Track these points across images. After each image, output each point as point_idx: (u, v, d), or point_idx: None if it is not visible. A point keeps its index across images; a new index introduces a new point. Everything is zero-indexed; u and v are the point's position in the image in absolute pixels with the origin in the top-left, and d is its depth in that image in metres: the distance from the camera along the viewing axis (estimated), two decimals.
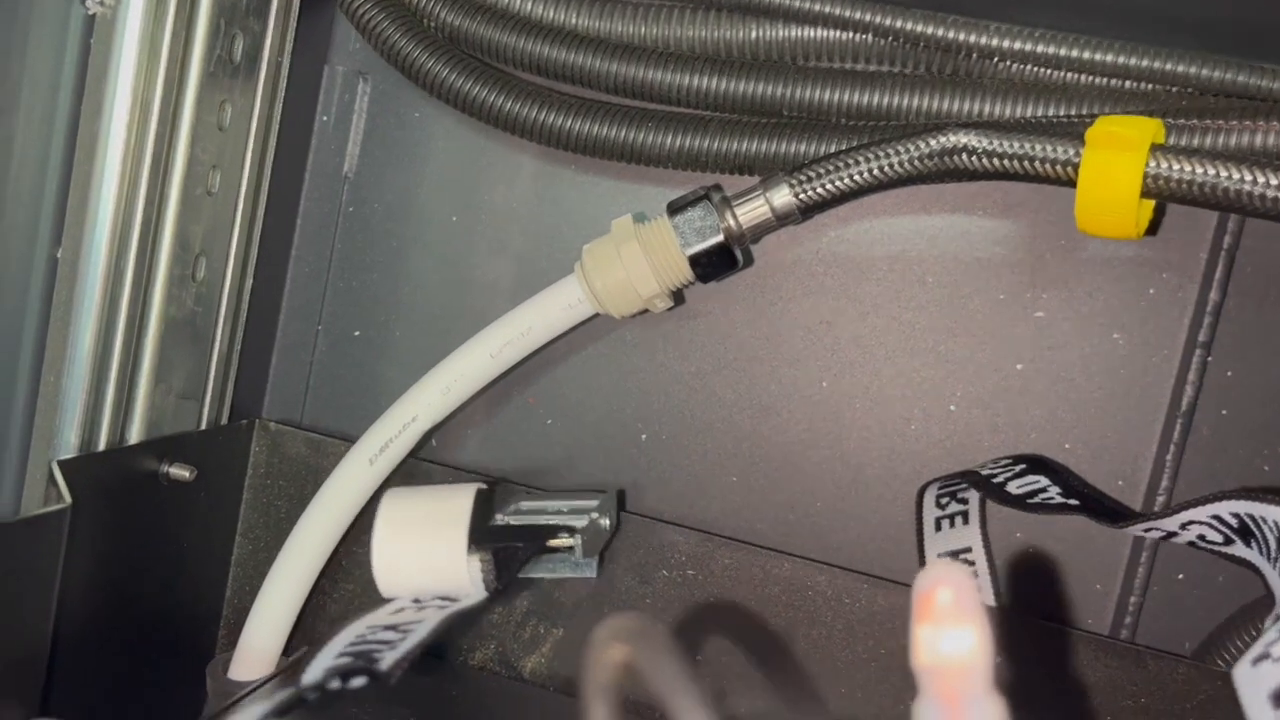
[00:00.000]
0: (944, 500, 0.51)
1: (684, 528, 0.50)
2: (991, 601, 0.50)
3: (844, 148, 0.41)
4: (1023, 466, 0.45)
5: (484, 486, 0.39)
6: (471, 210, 0.54)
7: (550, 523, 0.43)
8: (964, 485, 0.50)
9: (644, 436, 0.53)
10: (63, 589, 0.39)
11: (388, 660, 0.31)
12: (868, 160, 0.40)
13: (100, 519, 0.42)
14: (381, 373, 0.55)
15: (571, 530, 0.42)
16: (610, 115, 0.47)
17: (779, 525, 0.52)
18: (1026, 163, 0.38)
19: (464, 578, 0.37)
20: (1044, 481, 0.44)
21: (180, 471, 0.46)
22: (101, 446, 0.44)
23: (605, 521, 0.45)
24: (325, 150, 0.55)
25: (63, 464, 0.40)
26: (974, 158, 0.39)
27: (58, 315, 0.42)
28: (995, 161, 0.38)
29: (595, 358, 0.53)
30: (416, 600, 0.37)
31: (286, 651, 0.48)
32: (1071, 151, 0.37)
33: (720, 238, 0.42)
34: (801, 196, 0.41)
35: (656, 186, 0.51)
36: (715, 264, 0.43)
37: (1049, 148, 0.37)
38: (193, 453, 0.47)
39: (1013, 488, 0.44)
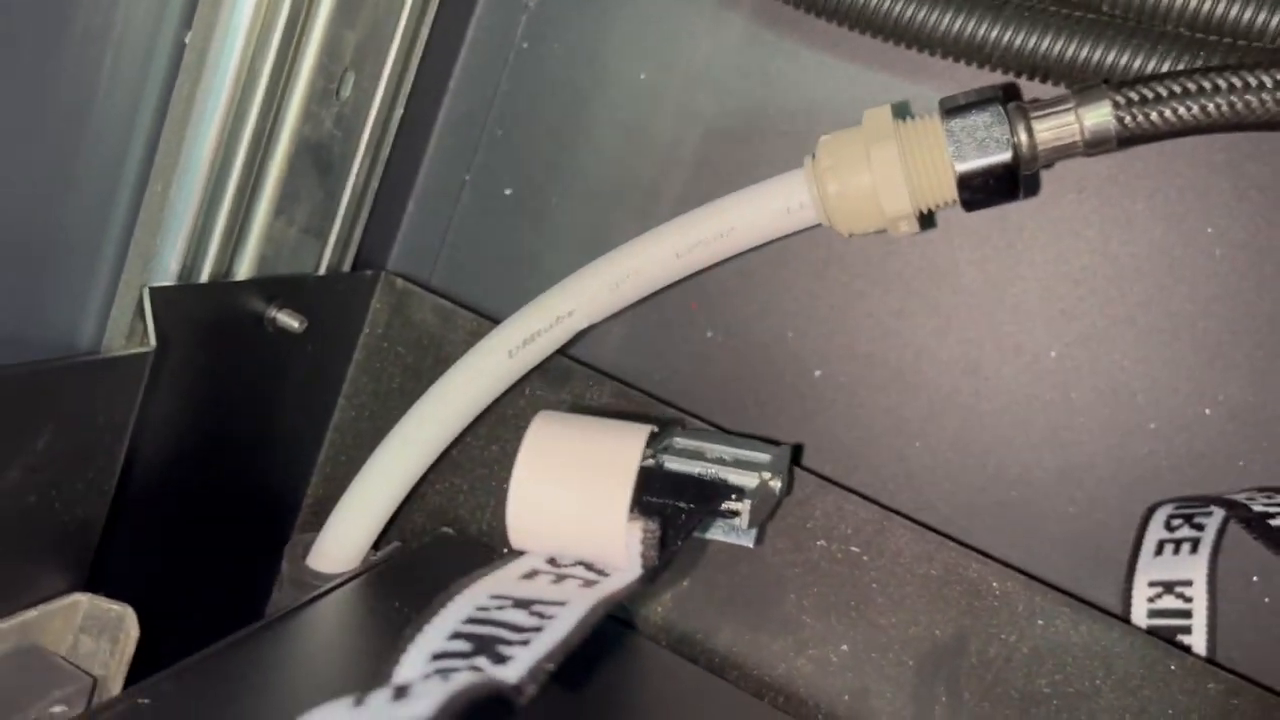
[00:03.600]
0: (1176, 522, 0.42)
1: (857, 495, 0.41)
2: (1202, 649, 0.41)
3: (1193, 66, 0.31)
4: None
5: (655, 430, 0.31)
6: (665, 69, 0.45)
7: (713, 475, 0.35)
8: (1207, 510, 0.41)
9: (818, 373, 0.45)
10: (134, 440, 0.33)
11: (518, 665, 0.23)
12: (1235, 89, 0.29)
13: (190, 363, 0.36)
14: (529, 244, 0.48)
15: (741, 493, 0.34)
16: None
17: (963, 510, 0.43)
18: None
19: (619, 546, 0.29)
20: None
21: (289, 319, 0.39)
22: (204, 278, 0.37)
23: (777, 485, 0.37)
24: None
25: (155, 292, 0.33)
26: None
27: (176, 113, 0.35)
28: None
29: (778, 269, 0.45)
30: (553, 562, 0.30)
31: (377, 545, 0.42)
32: None
33: (1007, 155, 0.32)
34: (1128, 121, 0.31)
35: (907, 78, 0.41)
36: (990, 189, 0.33)
37: None
38: (306, 300, 0.40)
39: None
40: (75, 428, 0.31)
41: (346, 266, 0.44)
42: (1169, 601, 0.42)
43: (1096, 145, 0.32)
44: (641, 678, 0.40)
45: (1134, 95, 0.31)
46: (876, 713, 0.41)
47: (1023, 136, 0.32)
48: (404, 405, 0.44)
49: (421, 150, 0.48)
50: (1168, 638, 0.41)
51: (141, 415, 0.33)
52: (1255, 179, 0.39)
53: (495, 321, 0.45)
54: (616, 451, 0.29)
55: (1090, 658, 0.39)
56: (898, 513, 0.41)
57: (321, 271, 0.43)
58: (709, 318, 0.46)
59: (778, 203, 0.35)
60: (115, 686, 0.32)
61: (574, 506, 0.29)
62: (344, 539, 0.39)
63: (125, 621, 0.31)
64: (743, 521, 0.34)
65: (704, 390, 0.46)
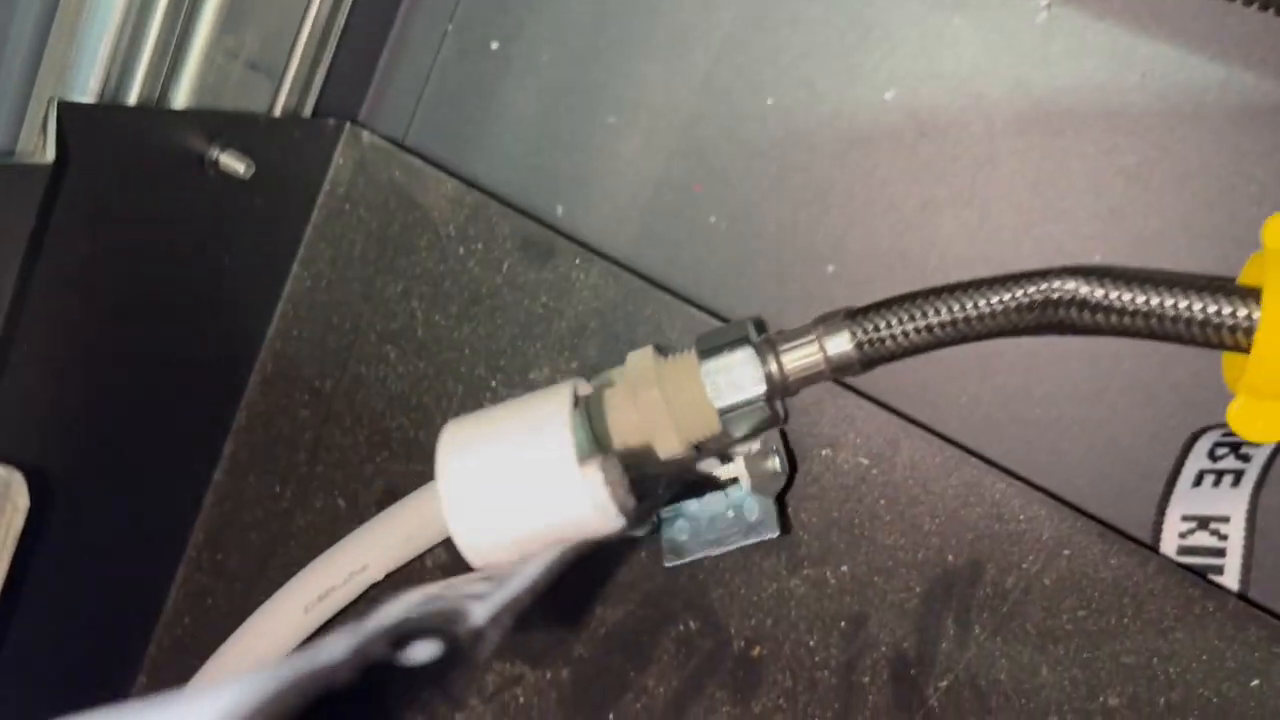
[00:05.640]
0: (1220, 451, 0.37)
1: (868, 400, 0.37)
2: (1234, 587, 0.38)
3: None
4: None
5: (583, 383, 0.28)
6: None
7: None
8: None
9: (831, 268, 0.40)
10: (31, 274, 0.28)
11: (476, 614, 0.19)
12: (949, 309, 0.31)
13: (109, 195, 0.31)
14: (515, 105, 0.42)
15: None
16: None
17: (985, 427, 0.39)
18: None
19: (581, 494, 0.26)
20: None
21: (233, 162, 0.34)
22: (132, 101, 0.31)
23: (774, 464, 0.36)
24: None
25: (64, 107, 0.28)
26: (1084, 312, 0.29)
27: None
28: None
29: (792, 150, 0.40)
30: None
31: None
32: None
33: (761, 390, 0.33)
34: (866, 348, 0.32)
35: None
36: (753, 419, 0.34)
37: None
38: (255, 142, 0.35)
39: None
40: None
41: (306, 113, 0.39)
42: (1202, 538, 0.38)
43: (842, 370, 0.33)
44: None
45: (868, 325, 0.32)
46: (875, 643, 0.37)
47: (774, 368, 0.33)
48: (366, 274, 0.39)
49: None
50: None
51: (41, 245, 0.28)
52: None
53: (474, 186, 0.40)
54: (539, 407, 0.27)
55: (1119, 594, 0.35)
56: (914, 421, 0.37)
57: (276, 114, 0.37)
58: (713, 202, 0.41)
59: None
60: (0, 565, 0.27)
61: (517, 482, 0.27)
62: None
63: (12, 489, 0.27)
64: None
65: (704, 282, 0.41)
